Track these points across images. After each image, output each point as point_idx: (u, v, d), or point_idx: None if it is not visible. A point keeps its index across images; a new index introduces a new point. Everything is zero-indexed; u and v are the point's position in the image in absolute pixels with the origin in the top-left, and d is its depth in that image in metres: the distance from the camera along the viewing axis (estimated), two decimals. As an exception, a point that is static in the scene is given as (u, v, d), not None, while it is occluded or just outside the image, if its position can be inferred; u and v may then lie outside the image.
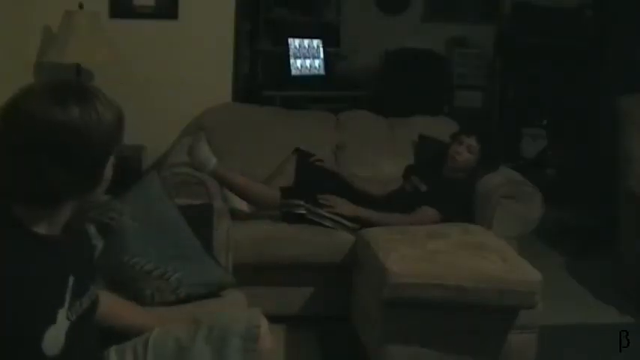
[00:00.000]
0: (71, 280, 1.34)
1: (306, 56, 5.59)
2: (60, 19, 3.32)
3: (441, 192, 3.22)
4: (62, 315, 1.30)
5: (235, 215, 2.96)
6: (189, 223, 2.37)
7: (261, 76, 5.78)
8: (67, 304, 1.31)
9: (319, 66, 5.68)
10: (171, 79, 3.72)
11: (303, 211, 3.11)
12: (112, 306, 1.67)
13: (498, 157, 3.42)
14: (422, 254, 2.61)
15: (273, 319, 2.89)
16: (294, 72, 5.44)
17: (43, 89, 1.28)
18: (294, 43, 5.49)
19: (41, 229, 1.29)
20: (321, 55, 5.70)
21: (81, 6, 3.34)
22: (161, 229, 2.26)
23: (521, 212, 3.12)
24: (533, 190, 3.15)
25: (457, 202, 3.23)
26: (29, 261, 1.25)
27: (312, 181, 3.30)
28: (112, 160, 1.35)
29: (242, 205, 3.26)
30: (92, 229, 2.13)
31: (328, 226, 3.11)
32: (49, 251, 1.30)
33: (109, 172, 1.35)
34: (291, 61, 5.43)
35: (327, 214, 3.12)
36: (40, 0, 3.49)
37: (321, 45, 5.71)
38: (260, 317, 1.64)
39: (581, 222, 4.64)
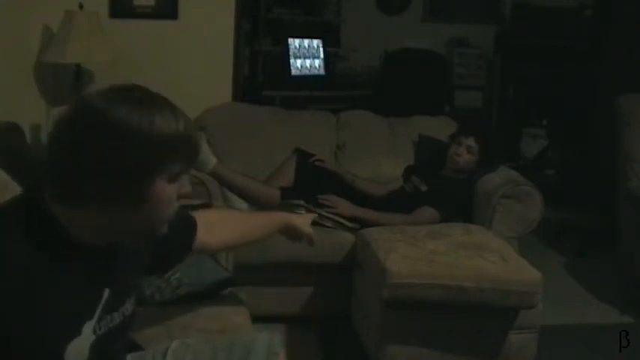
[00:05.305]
0: (106, 293, 1.28)
1: (306, 56, 5.59)
2: (60, 19, 3.31)
3: (440, 192, 3.22)
4: (88, 328, 1.24)
5: (235, 215, 2.95)
6: (190, 223, 2.37)
7: (261, 76, 5.78)
8: (95, 318, 1.26)
9: (319, 66, 5.69)
10: (171, 79, 3.69)
11: (303, 211, 3.11)
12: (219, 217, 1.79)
13: (498, 157, 3.42)
14: (422, 254, 2.61)
15: (273, 319, 2.95)
16: (294, 72, 5.44)
17: (107, 90, 1.23)
18: (294, 43, 5.50)
19: (83, 236, 1.21)
20: (321, 55, 5.71)
21: (81, 6, 3.33)
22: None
23: (521, 212, 3.11)
24: (533, 190, 3.14)
25: (457, 202, 3.24)
26: (64, 270, 1.19)
27: (312, 181, 3.30)
28: (183, 179, 1.24)
29: (242, 205, 3.26)
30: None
31: (328, 226, 3.10)
32: (88, 260, 1.23)
33: (171, 191, 1.22)
34: (291, 61, 5.43)
35: (327, 214, 3.11)
36: (40, 0, 3.48)
37: (321, 45, 5.71)
38: (280, 346, 1.61)
39: (581, 222, 4.64)
